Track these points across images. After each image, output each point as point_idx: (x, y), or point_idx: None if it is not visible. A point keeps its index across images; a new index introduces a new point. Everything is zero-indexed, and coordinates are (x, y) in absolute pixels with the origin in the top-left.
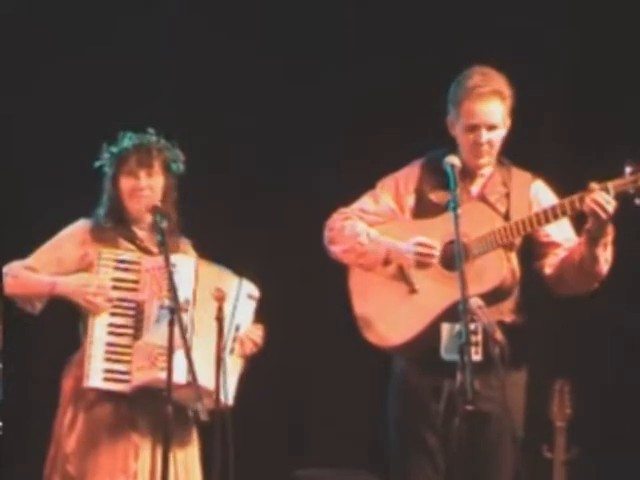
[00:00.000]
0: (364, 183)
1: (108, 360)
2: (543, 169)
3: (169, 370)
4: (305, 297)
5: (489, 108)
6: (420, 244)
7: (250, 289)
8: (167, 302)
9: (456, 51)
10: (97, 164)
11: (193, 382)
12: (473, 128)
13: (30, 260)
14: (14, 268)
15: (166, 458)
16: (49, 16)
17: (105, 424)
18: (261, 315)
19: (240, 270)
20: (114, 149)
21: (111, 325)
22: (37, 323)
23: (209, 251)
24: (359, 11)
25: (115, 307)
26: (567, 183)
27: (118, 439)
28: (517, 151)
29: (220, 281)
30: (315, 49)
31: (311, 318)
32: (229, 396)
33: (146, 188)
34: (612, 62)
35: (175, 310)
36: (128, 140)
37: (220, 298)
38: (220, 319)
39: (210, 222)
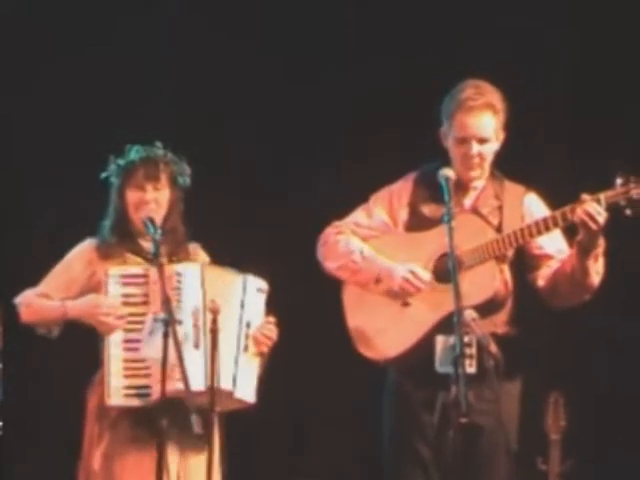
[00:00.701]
0: (364, 183)
1: (127, 377)
2: (540, 175)
3: (163, 382)
4: (305, 299)
5: (480, 121)
6: (412, 272)
7: (257, 283)
8: (161, 315)
9: (456, 51)
10: (103, 175)
11: (187, 391)
12: (464, 141)
13: (41, 286)
14: (27, 296)
15: (160, 470)
16: (49, 16)
17: (130, 439)
18: None
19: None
20: (121, 161)
21: (126, 341)
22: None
23: (209, 253)
24: (359, 11)
25: (128, 323)
26: (564, 190)
27: (145, 452)
28: (513, 158)
29: (225, 282)
30: (315, 49)
31: (310, 321)
32: (250, 394)
33: (152, 201)
34: (612, 65)
35: (169, 322)
36: (135, 153)
37: (214, 310)
38: (214, 331)
39: (209, 223)
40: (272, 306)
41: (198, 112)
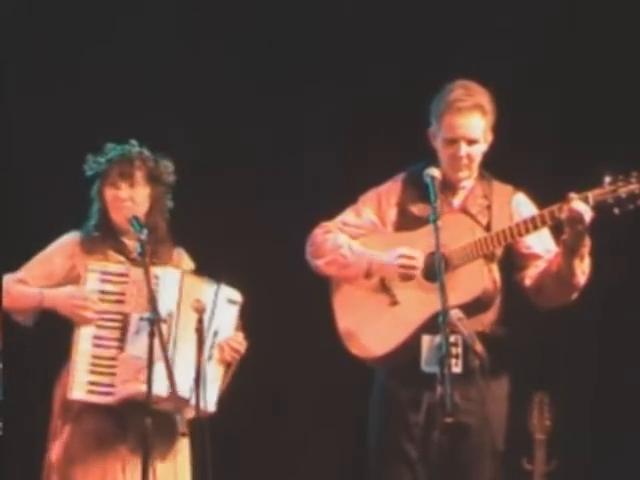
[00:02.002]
0: (364, 183)
1: (93, 372)
2: (529, 175)
3: (149, 382)
4: (299, 302)
5: (469, 122)
6: (402, 256)
7: (230, 294)
8: (147, 314)
9: (456, 51)
10: (88, 174)
11: (173, 394)
12: (452, 142)
13: (21, 273)
14: (6, 283)
15: (146, 470)
16: (49, 16)
17: (92, 436)
18: (254, 324)
19: (240, 272)
20: (99, 160)
21: (96, 337)
22: (37, 324)
23: (207, 258)
24: (359, 11)
25: (101, 319)
26: (553, 190)
27: (105, 451)
28: (503, 158)
29: (199, 291)
30: (315, 49)
31: (302, 326)
32: (210, 403)
33: (127, 199)
34: (605, 66)
35: (155, 322)
36: (112, 151)
37: (200, 310)
38: (200, 331)
39: (209, 225)
40: (265, 312)
41: (197, 112)
